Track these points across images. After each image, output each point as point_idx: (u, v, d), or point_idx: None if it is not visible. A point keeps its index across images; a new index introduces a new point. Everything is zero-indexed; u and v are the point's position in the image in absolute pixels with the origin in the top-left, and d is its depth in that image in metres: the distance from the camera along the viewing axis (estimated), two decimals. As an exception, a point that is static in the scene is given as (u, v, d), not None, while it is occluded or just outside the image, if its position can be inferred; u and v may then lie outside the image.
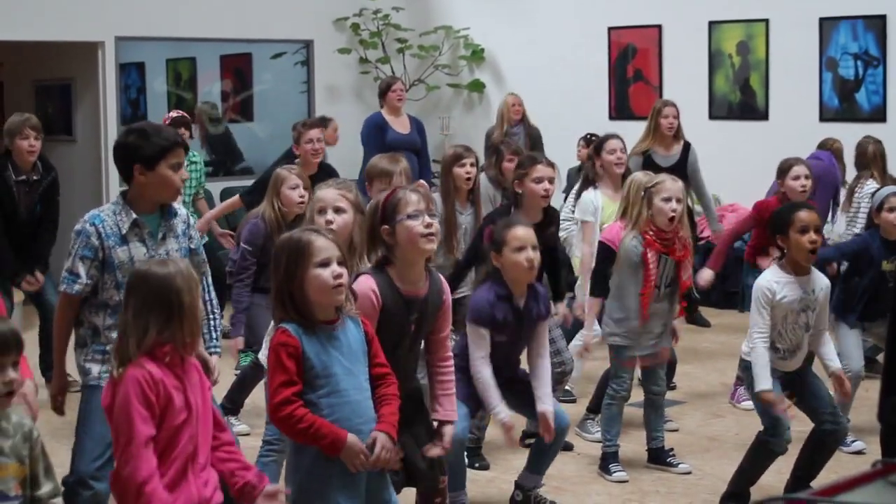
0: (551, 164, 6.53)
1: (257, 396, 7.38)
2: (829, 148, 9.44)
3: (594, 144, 7.77)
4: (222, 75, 12.61)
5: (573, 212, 7.68)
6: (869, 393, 7.06)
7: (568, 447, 6.69)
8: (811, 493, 2.39)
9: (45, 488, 3.57)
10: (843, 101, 10.60)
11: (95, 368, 4.77)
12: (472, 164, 7.21)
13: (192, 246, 4.90)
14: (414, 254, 4.47)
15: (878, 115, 10.40)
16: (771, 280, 5.52)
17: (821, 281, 5.63)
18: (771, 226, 5.68)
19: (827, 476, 6.03)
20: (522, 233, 5.33)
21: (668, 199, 6.04)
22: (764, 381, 5.46)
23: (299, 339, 3.91)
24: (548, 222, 6.46)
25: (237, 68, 12.67)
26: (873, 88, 10.44)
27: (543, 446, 5.65)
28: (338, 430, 3.91)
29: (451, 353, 4.73)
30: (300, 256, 3.93)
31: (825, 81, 10.69)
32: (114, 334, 4.60)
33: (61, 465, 5.39)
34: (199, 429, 3.74)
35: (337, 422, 3.94)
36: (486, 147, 10.10)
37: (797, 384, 5.68)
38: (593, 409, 6.90)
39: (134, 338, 3.68)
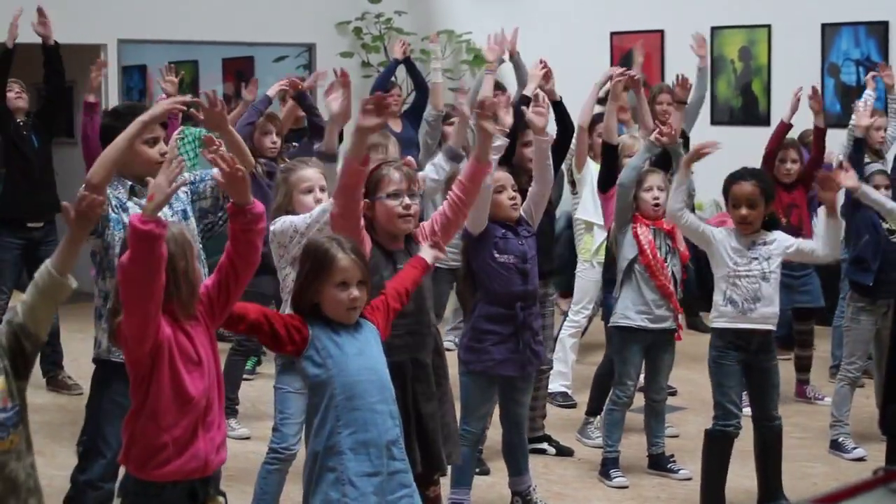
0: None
1: (257, 399, 7.39)
2: (804, 142, 9.49)
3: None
4: (224, 78, 12.61)
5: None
6: (869, 400, 7.06)
7: (569, 453, 6.69)
8: (812, 501, 2.38)
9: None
10: (845, 107, 10.58)
11: (105, 340, 4.77)
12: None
13: (184, 208, 4.92)
14: (391, 231, 4.55)
15: (880, 121, 10.38)
16: (720, 230, 5.67)
17: (769, 235, 5.67)
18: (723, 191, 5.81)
19: (827, 484, 6.03)
20: (501, 175, 5.48)
21: (649, 189, 6.17)
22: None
23: (310, 330, 3.96)
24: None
25: (239, 71, 12.67)
26: (875, 94, 10.42)
27: (508, 447, 5.72)
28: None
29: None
30: (321, 271, 3.97)
31: (827, 87, 10.69)
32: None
33: (61, 466, 5.41)
34: (210, 384, 3.76)
35: (350, 399, 3.95)
36: None
37: (756, 375, 5.68)
38: (591, 411, 6.90)
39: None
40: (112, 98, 11.44)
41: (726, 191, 5.71)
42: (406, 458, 4.10)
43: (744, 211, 5.59)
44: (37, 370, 8.10)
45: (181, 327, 3.73)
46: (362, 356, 4.01)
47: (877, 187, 6.73)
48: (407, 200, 4.53)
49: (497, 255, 5.42)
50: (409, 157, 7.34)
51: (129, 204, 4.78)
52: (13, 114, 8.39)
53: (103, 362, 4.81)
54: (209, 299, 3.84)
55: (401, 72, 12.75)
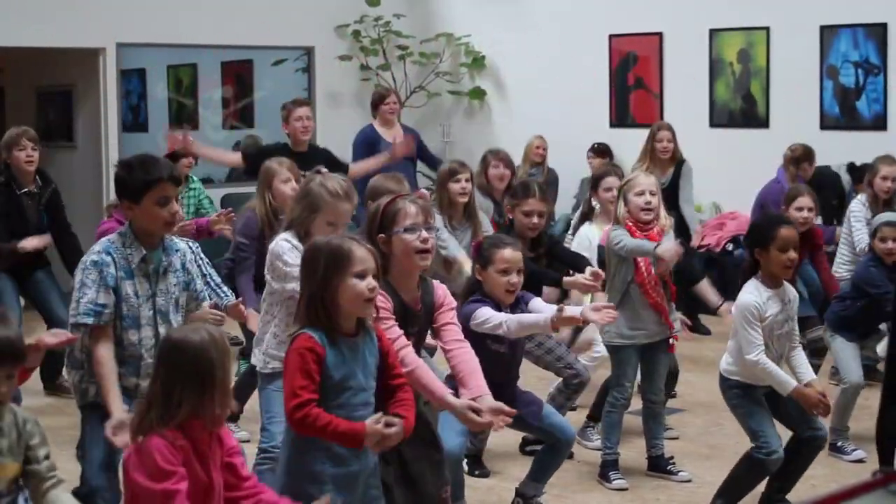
0: (544, 199, 6.57)
1: (256, 401, 7.38)
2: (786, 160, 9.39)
3: (591, 179, 7.79)
4: (223, 82, 12.62)
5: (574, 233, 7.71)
6: (869, 402, 7.06)
7: (568, 455, 6.68)
8: (812, 503, 2.38)
9: (43, 461, 3.56)
10: (843, 110, 10.59)
11: (93, 388, 4.73)
12: (466, 180, 7.29)
13: (188, 279, 4.86)
14: (408, 267, 4.49)
15: (879, 123, 10.39)
16: (758, 298, 5.52)
17: (791, 291, 5.67)
18: (751, 238, 5.69)
19: (826, 485, 6.02)
20: (510, 255, 5.34)
21: (640, 193, 6.13)
22: (787, 381, 5.47)
23: (324, 349, 3.90)
24: (536, 248, 6.51)
25: (238, 75, 12.68)
26: (874, 96, 10.43)
27: (548, 457, 5.65)
28: (354, 425, 3.88)
29: (461, 337, 4.69)
30: (339, 264, 3.92)
31: (826, 89, 10.69)
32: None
33: (61, 470, 5.40)
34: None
35: None
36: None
37: (777, 395, 5.62)
38: (594, 416, 6.90)
39: (159, 409, 3.57)
40: (111, 102, 11.44)
41: (769, 234, 5.51)
42: (380, 485, 4.12)
43: (793, 254, 5.50)
44: (35, 374, 8.14)
45: (199, 449, 3.61)
46: (362, 392, 3.97)
47: (883, 240, 6.73)
48: (424, 234, 4.47)
49: (489, 343, 5.29)
50: (423, 190, 7.29)
51: (135, 274, 4.67)
52: (22, 180, 7.83)
53: (92, 405, 4.74)
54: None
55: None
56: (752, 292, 5.55)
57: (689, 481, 6.26)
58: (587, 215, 7.67)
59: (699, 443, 6.95)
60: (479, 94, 12.95)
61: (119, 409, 4.53)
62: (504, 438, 6.71)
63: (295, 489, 3.92)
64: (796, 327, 5.70)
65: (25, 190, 7.84)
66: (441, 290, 4.66)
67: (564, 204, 11.57)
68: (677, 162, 9.36)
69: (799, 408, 5.60)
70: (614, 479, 6.22)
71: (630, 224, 6.12)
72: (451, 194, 7.25)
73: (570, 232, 8.04)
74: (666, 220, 6.27)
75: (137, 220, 4.71)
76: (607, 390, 6.57)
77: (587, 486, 6.27)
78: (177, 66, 12.42)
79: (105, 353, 4.61)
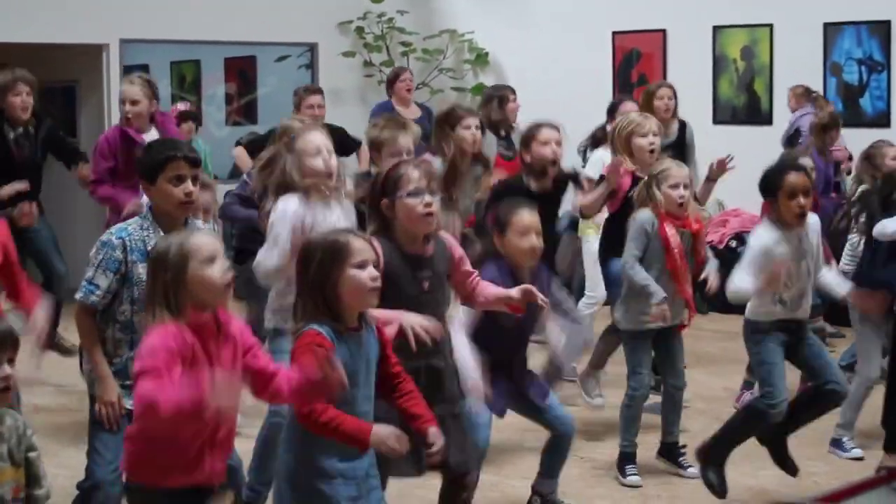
0: (556, 128, 6.56)
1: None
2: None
3: (609, 107, 7.83)
4: (227, 78, 12.62)
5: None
6: (872, 399, 7.05)
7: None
8: (815, 499, 2.39)
9: (42, 489, 3.59)
10: (847, 107, 10.59)
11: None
12: (476, 127, 6.87)
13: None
14: (412, 231, 4.51)
15: (882, 120, 10.40)
16: (767, 239, 5.53)
17: (809, 224, 5.62)
18: (762, 187, 5.66)
19: (829, 482, 6.02)
20: (528, 218, 5.31)
21: (675, 186, 6.04)
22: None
23: (333, 344, 3.86)
24: (557, 191, 6.48)
25: (241, 71, 12.68)
26: (877, 94, 10.44)
27: (552, 453, 5.63)
28: (361, 425, 3.86)
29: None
30: (337, 257, 3.89)
31: (829, 87, 10.69)
32: (122, 349, 4.61)
33: (60, 465, 5.42)
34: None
35: None
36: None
37: (799, 347, 5.64)
38: (596, 364, 6.86)
39: (152, 307, 3.69)
40: (114, 99, 11.41)
41: (775, 183, 5.51)
42: (377, 474, 4.09)
43: (803, 200, 5.45)
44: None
45: (206, 345, 3.66)
46: (364, 387, 3.97)
47: None
48: (428, 198, 4.47)
49: (497, 317, 5.22)
50: (426, 156, 7.21)
51: None
52: (14, 123, 7.80)
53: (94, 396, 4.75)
54: (255, 367, 3.82)
55: (400, 62, 12.77)
56: (762, 235, 5.57)
57: (694, 477, 6.25)
58: (600, 140, 7.70)
59: (702, 439, 6.93)
60: (482, 90, 12.92)
61: (110, 380, 4.60)
62: (506, 434, 6.71)
63: (304, 485, 3.92)
64: (821, 255, 5.70)
65: (21, 130, 7.76)
66: (453, 242, 4.68)
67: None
68: (680, 121, 8.95)
69: (821, 361, 5.65)
70: (629, 474, 6.18)
71: (664, 213, 6.03)
72: (463, 143, 6.79)
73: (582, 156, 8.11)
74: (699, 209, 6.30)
75: (155, 200, 4.70)
76: (607, 339, 6.54)
77: (591, 482, 6.27)
78: (180, 63, 12.41)
79: (85, 328, 4.65)
